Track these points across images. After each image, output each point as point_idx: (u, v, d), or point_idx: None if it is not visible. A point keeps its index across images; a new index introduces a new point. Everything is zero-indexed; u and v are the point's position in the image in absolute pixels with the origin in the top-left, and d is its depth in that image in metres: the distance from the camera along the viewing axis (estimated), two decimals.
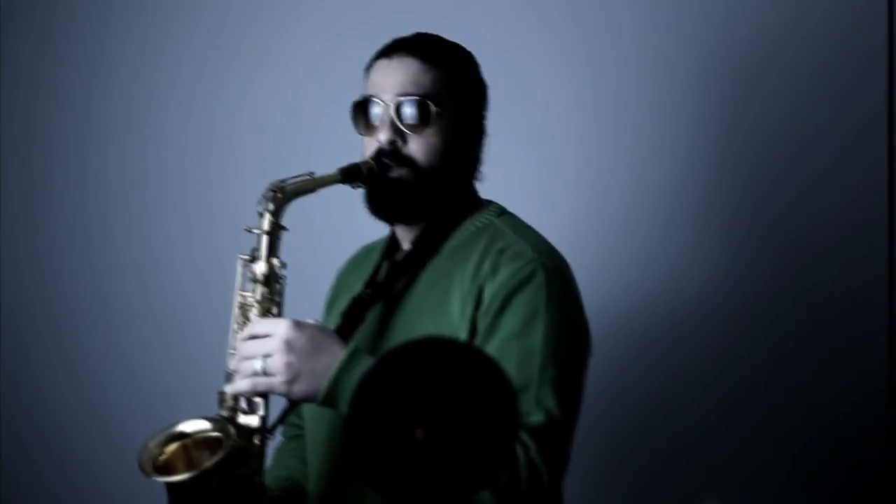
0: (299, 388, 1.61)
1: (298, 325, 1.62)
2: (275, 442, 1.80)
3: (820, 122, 2.38)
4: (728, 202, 2.43)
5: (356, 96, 1.83)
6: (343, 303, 1.85)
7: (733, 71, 2.43)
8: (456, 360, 1.21)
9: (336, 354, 1.61)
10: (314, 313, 1.87)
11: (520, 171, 2.43)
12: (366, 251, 2.02)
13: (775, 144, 2.40)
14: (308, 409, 1.85)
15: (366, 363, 1.58)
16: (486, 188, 1.90)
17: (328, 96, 2.41)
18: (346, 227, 2.05)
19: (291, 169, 1.75)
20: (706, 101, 2.44)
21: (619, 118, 2.48)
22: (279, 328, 1.62)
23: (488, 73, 1.89)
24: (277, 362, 1.60)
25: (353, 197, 1.83)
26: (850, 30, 2.37)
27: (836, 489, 2.37)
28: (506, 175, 1.96)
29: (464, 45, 1.88)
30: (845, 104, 2.37)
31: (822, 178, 2.38)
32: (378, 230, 1.92)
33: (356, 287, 1.87)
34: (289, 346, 1.60)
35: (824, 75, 2.38)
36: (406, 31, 1.86)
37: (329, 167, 1.75)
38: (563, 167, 2.50)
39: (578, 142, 2.50)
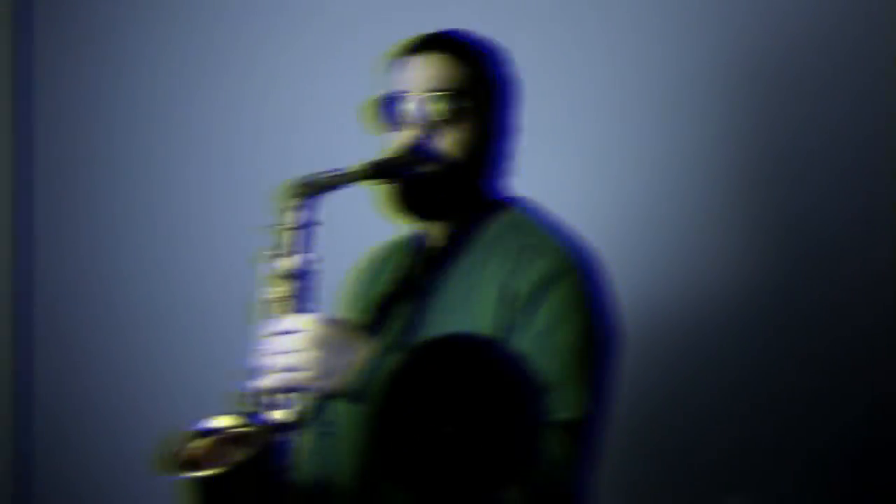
0: (327, 384, 1.60)
1: (326, 320, 1.62)
2: (302, 439, 1.80)
3: (839, 123, 2.37)
4: (750, 201, 2.42)
5: (375, 95, 1.82)
6: (365, 300, 1.85)
7: (755, 72, 2.42)
8: (484, 357, 1.21)
9: (364, 350, 1.61)
10: (339, 310, 1.87)
11: (547, 167, 2.43)
12: (388, 248, 2.01)
13: (796, 146, 2.40)
14: (336, 406, 1.85)
15: (394, 359, 1.57)
16: (516, 182, 1.89)
17: (347, 95, 2.41)
18: (368, 224, 2.04)
19: (318, 166, 1.74)
20: (729, 102, 2.44)
21: (643, 118, 2.47)
22: (306, 324, 1.62)
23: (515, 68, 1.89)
24: (305, 358, 1.60)
25: (374, 193, 1.82)
26: (868, 31, 2.36)
27: (858, 487, 2.35)
28: (534, 171, 1.96)
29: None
30: (863, 106, 2.36)
31: (841, 180, 2.37)
32: (400, 224, 1.90)
33: (379, 284, 1.86)
34: (317, 341, 1.60)
35: (843, 77, 2.37)
36: (427, 30, 1.85)
37: (348, 165, 1.74)
38: (587, 166, 2.50)
39: (602, 141, 2.50)
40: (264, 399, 1.68)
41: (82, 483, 2.82)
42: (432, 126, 1.77)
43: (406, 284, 1.83)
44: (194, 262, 2.77)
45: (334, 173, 1.73)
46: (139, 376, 2.78)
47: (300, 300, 1.72)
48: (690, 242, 2.45)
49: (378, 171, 1.74)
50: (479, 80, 1.80)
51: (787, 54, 2.41)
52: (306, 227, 1.72)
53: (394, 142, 1.81)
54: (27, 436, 2.87)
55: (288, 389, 1.65)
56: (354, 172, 1.73)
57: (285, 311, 1.70)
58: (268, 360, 1.64)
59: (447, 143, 1.77)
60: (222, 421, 1.66)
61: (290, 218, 1.71)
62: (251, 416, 1.67)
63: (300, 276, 1.72)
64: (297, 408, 1.68)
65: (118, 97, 2.85)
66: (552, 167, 2.47)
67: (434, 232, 1.85)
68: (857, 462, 2.36)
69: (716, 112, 2.45)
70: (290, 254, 1.72)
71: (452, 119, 1.76)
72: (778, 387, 2.39)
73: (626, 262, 2.40)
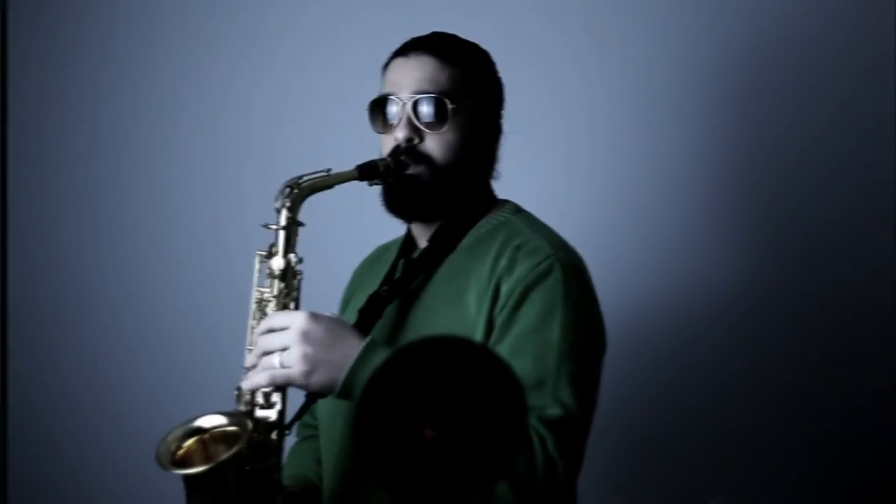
0: (317, 380, 1.61)
1: (315, 316, 1.62)
2: (290, 440, 1.81)
3: (828, 123, 2.39)
4: (738, 202, 2.44)
5: (369, 94, 1.83)
6: (358, 301, 1.85)
7: (744, 72, 2.43)
8: (466, 359, 1.21)
9: (353, 345, 1.61)
10: (330, 309, 1.89)
11: (533, 170, 2.44)
12: (381, 251, 2.03)
13: (785, 145, 2.42)
14: (323, 408, 1.85)
15: (382, 354, 1.58)
16: (501, 186, 1.90)
17: (340, 94, 2.42)
18: (362, 224, 2.06)
19: (305, 166, 1.75)
20: (716, 102, 2.45)
21: (631, 118, 2.49)
22: (295, 320, 1.62)
23: (502, 71, 1.89)
24: (295, 354, 1.60)
25: (370, 193, 1.84)
26: (858, 32, 2.38)
27: (845, 487, 2.37)
28: (520, 174, 1.96)
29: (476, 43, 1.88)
30: (853, 106, 2.38)
31: (830, 179, 2.39)
32: (394, 226, 1.92)
33: (372, 286, 1.87)
34: (305, 337, 1.60)
35: (833, 77, 2.39)
36: (418, 30, 1.87)
37: (343, 165, 1.76)
38: (575, 167, 2.51)
39: (590, 141, 2.51)
40: (253, 397, 1.69)
41: (60, 486, 2.82)
42: (420, 127, 1.78)
43: (394, 285, 1.83)
44: (184, 261, 2.76)
45: (322, 175, 1.74)
46: (124, 377, 2.76)
47: (290, 298, 1.74)
48: (680, 243, 2.46)
49: (365, 172, 1.75)
50: (465, 83, 1.81)
51: (776, 56, 2.42)
52: (296, 226, 1.73)
53: (383, 143, 1.83)
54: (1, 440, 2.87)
55: (278, 386, 1.66)
56: (342, 174, 1.75)
57: (275, 309, 1.72)
58: (257, 358, 1.64)
59: (435, 144, 1.78)
60: (212, 419, 1.67)
61: (280, 218, 1.72)
62: (241, 414, 1.68)
63: (290, 276, 1.73)
64: (285, 406, 1.70)
65: (97, 94, 2.84)
66: (540, 168, 2.48)
67: (422, 233, 1.87)
68: (846, 463, 2.37)
69: (704, 113, 2.45)
70: (280, 253, 1.73)
71: (440, 121, 1.77)
72: (768, 386, 2.40)
73: (614, 263, 2.42)
